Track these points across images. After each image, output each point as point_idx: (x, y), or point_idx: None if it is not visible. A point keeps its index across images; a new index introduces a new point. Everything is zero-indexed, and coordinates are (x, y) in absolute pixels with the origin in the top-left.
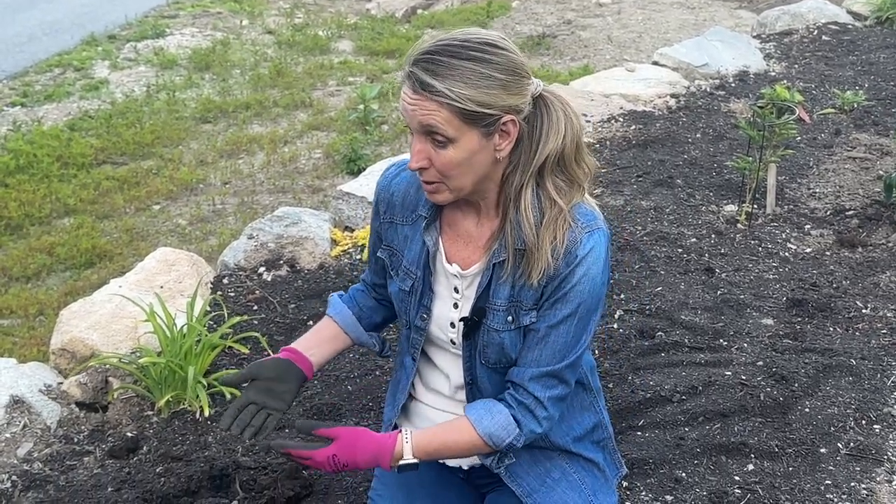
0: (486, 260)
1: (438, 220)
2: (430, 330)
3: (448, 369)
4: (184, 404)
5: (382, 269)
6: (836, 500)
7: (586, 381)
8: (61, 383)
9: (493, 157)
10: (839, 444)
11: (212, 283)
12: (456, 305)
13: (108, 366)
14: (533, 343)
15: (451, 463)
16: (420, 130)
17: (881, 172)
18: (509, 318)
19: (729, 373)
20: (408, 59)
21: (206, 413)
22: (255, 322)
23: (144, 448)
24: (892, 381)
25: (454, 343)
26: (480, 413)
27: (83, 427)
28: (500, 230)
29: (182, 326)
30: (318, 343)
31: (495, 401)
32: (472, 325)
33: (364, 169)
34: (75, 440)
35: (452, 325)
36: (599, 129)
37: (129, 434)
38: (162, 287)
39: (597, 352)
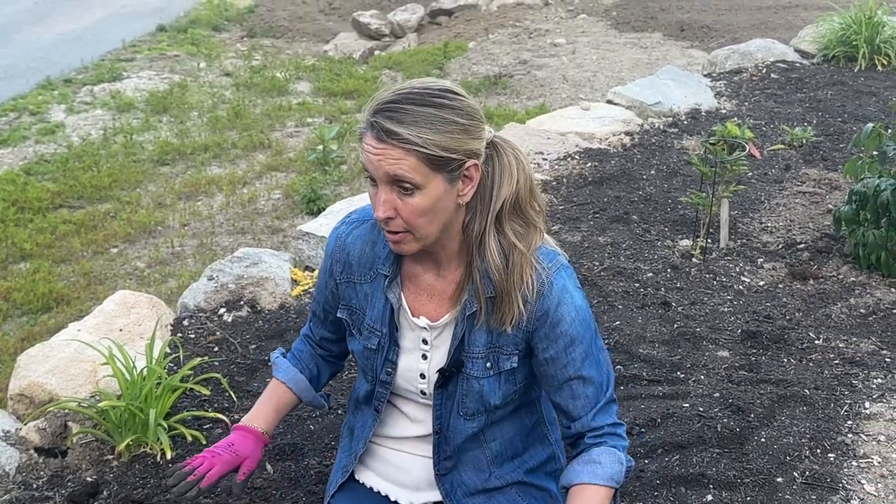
0: (457, 311)
1: (399, 276)
2: (397, 383)
3: (417, 417)
4: (144, 448)
5: (334, 323)
6: None
7: (540, 414)
8: (19, 429)
9: (456, 204)
10: (795, 473)
11: (172, 325)
12: (425, 356)
13: (66, 410)
14: (573, 394)
15: (403, 501)
16: (386, 180)
17: (830, 206)
18: (488, 364)
19: (687, 405)
20: (368, 110)
21: (168, 456)
22: (216, 363)
23: (104, 492)
24: (846, 411)
25: (424, 394)
26: (588, 471)
27: (42, 473)
28: (468, 280)
29: (142, 369)
30: (276, 412)
31: (583, 455)
32: (448, 375)
33: (324, 209)
34: (34, 486)
35: (422, 375)
36: (556, 166)
37: (88, 479)
38: (121, 330)
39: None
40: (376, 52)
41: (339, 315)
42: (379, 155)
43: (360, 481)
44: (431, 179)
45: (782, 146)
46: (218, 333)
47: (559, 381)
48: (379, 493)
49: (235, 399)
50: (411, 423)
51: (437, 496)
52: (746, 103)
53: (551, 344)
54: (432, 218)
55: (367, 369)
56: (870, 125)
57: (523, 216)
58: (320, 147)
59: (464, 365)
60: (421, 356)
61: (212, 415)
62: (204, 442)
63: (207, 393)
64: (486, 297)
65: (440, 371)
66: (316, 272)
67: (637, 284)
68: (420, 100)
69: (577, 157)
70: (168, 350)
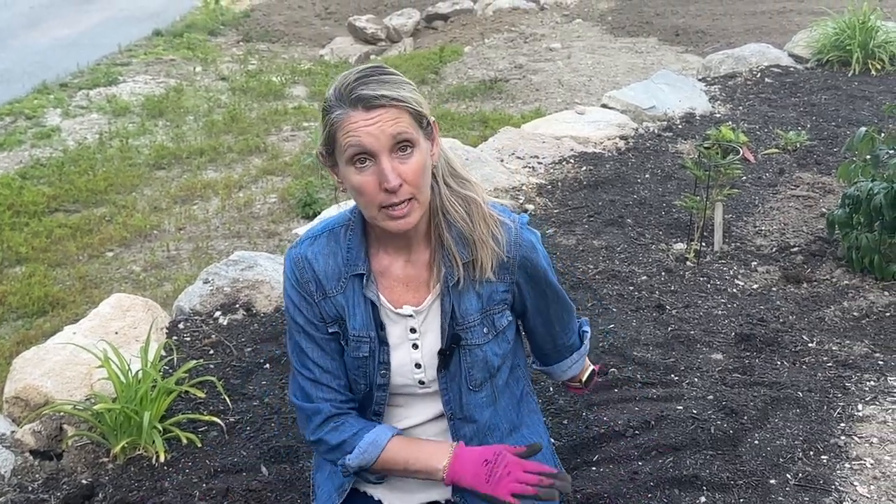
0: (439, 286)
1: (371, 274)
2: (392, 382)
3: (418, 409)
4: (139, 450)
5: (339, 352)
6: None
7: (526, 381)
8: (15, 432)
9: (430, 164)
10: (788, 475)
11: (167, 328)
12: (415, 346)
13: (62, 413)
14: (562, 324)
15: None
16: (388, 145)
17: (824, 210)
18: (485, 329)
19: (680, 407)
20: (339, 95)
21: (162, 458)
22: (212, 366)
23: (100, 495)
24: (839, 413)
25: (423, 383)
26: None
27: (37, 475)
28: (440, 252)
29: (137, 372)
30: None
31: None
32: (449, 353)
33: (319, 213)
34: (30, 489)
35: (418, 365)
36: (551, 170)
37: (84, 481)
38: (117, 333)
39: (551, 389)
40: (372, 57)
41: (330, 330)
42: (376, 121)
43: (355, 488)
44: (419, 136)
45: (776, 150)
46: (213, 336)
47: (547, 313)
48: (372, 497)
49: (230, 402)
50: (406, 414)
51: (433, 496)
52: (741, 107)
53: (536, 285)
54: (427, 177)
55: (358, 378)
56: (863, 129)
57: (457, 173)
58: (316, 151)
59: (461, 338)
60: (411, 346)
61: (207, 418)
62: (199, 445)
63: (203, 396)
64: (463, 262)
65: (440, 352)
66: None
67: (631, 287)
68: (379, 70)
69: (572, 160)
70: (163, 353)
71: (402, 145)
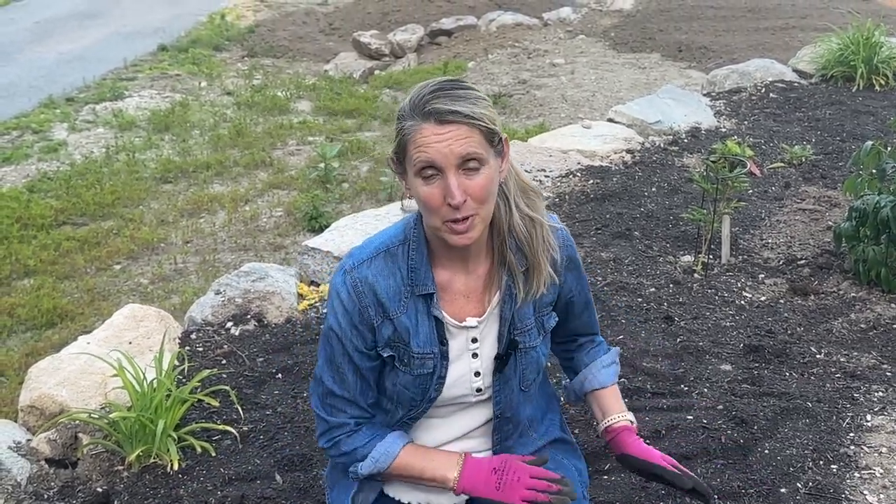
0: (499, 295)
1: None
2: (448, 395)
3: (461, 419)
4: (154, 458)
5: (373, 372)
6: None
7: (545, 368)
8: (30, 440)
9: (497, 181)
10: (798, 484)
11: (180, 339)
12: (475, 355)
13: (77, 422)
14: (590, 316)
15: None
16: (456, 163)
17: (830, 223)
18: (536, 331)
19: (690, 417)
20: (414, 106)
21: (177, 467)
22: (224, 376)
23: (115, 503)
24: (847, 423)
25: (480, 390)
26: (602, 374)
27: (53, 483)
28: (500, 264)
29: (151, 381)
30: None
31: (598, 361)
32: (505, 358)
33: (326, 226)
34: (45, 497)
35: (477, 373)
36: (558, 183)
37: (99, 489)
38: (130, 343)
39: (562, 399)
40: (376, 72)
41: (383, 354)
42: (447, 138)
43: (390, 495)
44: (489, 154)
45: (782, 164)
46: (225, 347)
47: (582, 304)
48: (400, 501)
49: (242, 412)
50: (450, 428)
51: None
52: (746, 122)
53: (577, 279)
54: (493, 196)
55: (415, 396)
56: (869, 143)
57: (526, 188)
58: (322, 165)
59: (518, 342)
60: (471, 356)
61: (221, 426)
62: (213, 453)
63: (216, 405)
64: (521, 271)
65: (497, 357)
66: (321, 287)
67: (640, 299)
68: (456, 84)
69: (578, 174)
70: (176, 363)
71: (468, 164)
